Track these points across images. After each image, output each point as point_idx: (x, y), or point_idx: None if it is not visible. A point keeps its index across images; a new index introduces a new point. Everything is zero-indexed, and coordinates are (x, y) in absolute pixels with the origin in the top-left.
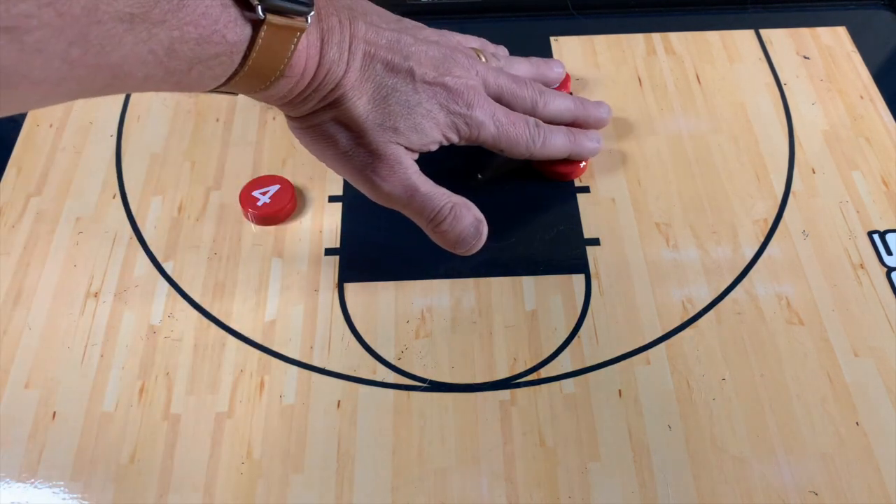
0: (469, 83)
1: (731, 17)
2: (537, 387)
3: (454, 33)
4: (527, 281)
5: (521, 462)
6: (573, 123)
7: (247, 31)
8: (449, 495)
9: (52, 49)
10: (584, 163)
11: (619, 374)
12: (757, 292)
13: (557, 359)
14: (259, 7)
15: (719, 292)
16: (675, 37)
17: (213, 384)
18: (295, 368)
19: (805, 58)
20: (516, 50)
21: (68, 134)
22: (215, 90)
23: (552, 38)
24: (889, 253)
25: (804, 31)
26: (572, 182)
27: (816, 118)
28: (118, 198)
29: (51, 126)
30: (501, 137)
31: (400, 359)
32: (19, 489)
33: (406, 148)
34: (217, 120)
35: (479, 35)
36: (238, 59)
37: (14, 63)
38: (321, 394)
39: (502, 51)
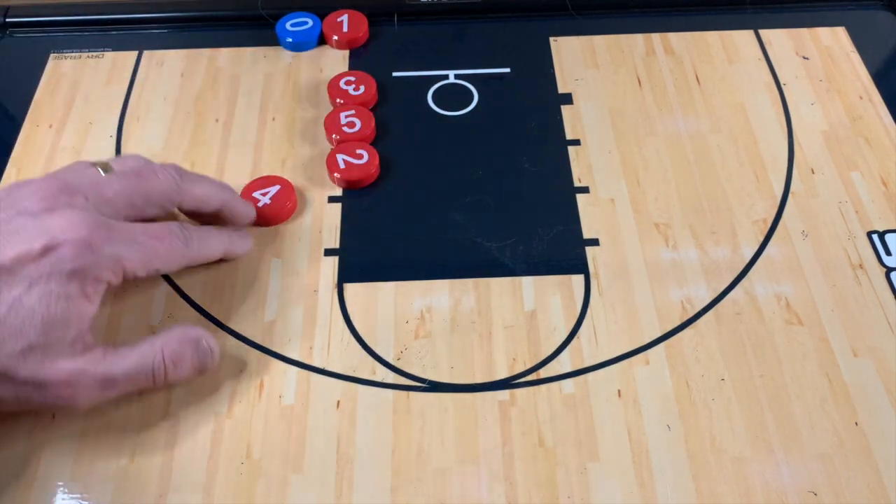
0: (70, 221)
1: (731, 17)
2: (536, 387)
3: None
4: (526, 281)
5: (521, 462)
6: (219, 212)
7: None
8: (448, 495)
9: None
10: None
11: (618, 375)
12: (756, 292)
13: (557, 359)
14: None
15: (718, 292)
16: (674, 37)
17: (212, 384)
18: (294, 369)
19: (804, 58)
20: (516, 50)
21: (68, 134)
22: None
23: (552, 39)
24: (888, 253)
25: (803, 32)
26: (572, 182)
27: (816, 118)
28: None
29: (51, 126)
30: (153, 260)
31: (399, 359)
32: (19, 489)
33: (62, 354)
34: (217, 120)
35: (478, 35)
36: None
37: None
38: (321, 394)
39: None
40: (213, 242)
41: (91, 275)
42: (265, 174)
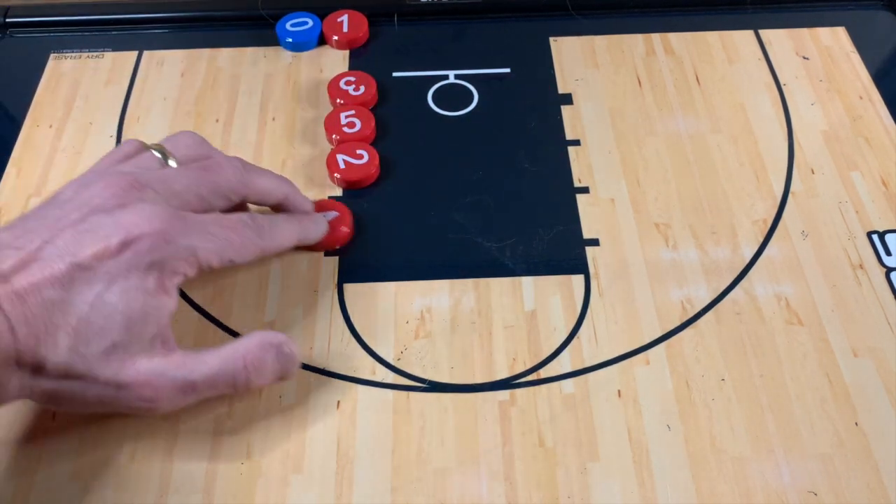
0: (144, 215)
1: (731, 17)
2: (537, 387)
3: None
4: (526, 281)
5: (521, 462)
6: (280, 205)
7: None
8: (448, 495)
9: None
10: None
11: (618, 375)
12: (756, 293)
13: (557, 359)
14: None
15: (718, 293)
16: (674, 37)
17: None
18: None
19: (804, 58)
20: (516, 50)
21: (68, 134)
22: None
23: (552, 39)
24: (888, 253)
25: (803, 32)
26: (572, 182)
27: (816, 118)
28: None
29: (51, 126)
30: (227, 250)
31: (399, 359)
32: (19, 489)
33: (143, 353)
34: (217, 120)
35: (478, 35)
36: None
37: None
38: (321, 394)
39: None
40: (285, 231)
41: (168, 268)
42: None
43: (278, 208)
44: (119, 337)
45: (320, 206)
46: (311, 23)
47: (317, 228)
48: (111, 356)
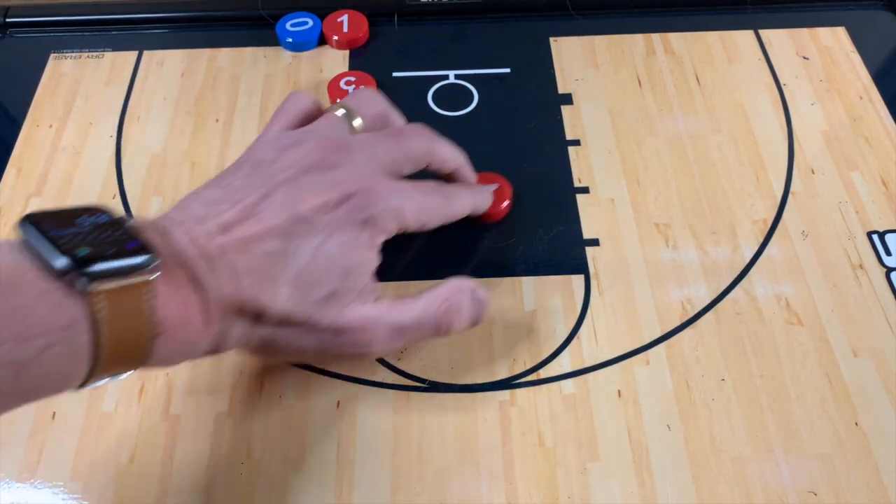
0: (355, 174)
1: (731, 17)
2: (537, 387)
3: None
4: (526, 281)
5: (521, 462)
6: (452, 175)
7: (77, 309)
8: (448, 495)
9: None
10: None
11: (618, 375)
12: (756, 293)
13: (557, 359)
14: (81, 282)
15: (718, 293)
16: (674, 37)
17: (212, 385)
18: (294, 369)
19: (804, 58)
20: (516, 50)
21: (68, 134)
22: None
23: (552, 39)
24: (888, 253)
25: (803, 32)
26: (572, 182)
27: (816, 119)
28: (118, 198)
29: (51, 126)
30: (423, 213)
31: (399, 359)
32: (19, 489)
33: (357, 300)
34: (217, 120)
35: (478, 35)
36: (83, 340)
37: None
38: (321, 394)
39: (364, 101)
40: (464, 199)
41: (379, 224)
42: None
43: (451, 178)
44: (337, 286)
45: (482, 179)
46: (311, 23)
47: (486, 198)
48: (329, 303)
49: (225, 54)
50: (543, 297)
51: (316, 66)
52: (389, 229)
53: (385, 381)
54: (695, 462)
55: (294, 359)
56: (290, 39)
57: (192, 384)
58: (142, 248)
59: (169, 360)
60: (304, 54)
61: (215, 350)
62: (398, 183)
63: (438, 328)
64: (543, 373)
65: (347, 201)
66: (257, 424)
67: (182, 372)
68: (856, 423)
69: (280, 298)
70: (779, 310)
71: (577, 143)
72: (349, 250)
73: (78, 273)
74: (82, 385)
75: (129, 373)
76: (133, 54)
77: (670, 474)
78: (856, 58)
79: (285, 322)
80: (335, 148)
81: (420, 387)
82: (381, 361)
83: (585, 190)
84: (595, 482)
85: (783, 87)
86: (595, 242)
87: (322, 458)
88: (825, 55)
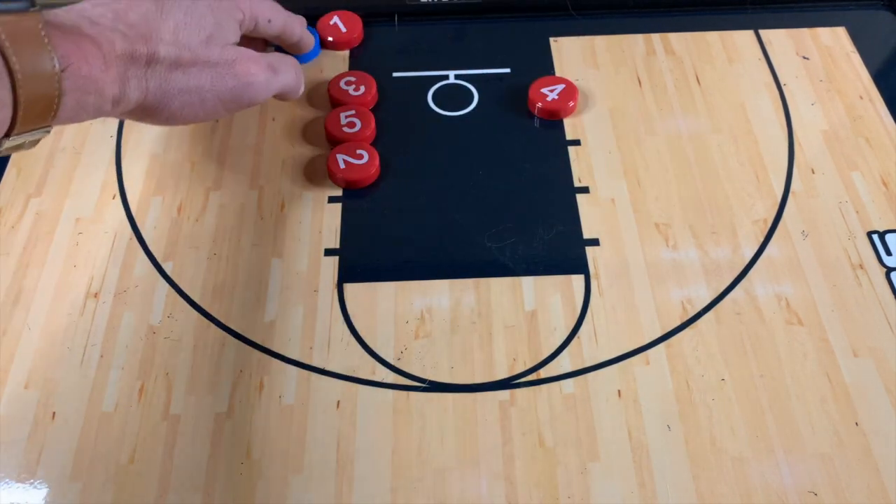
0: None
1: (731, 17)
2: (537, 387)
3: None
4: (526, 281)
5: (521, 462)
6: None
7: None
8: (448, 495)
9: None
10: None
11: (618, 375)
12: (756, 293)
13: (557, 359)
14: None
15: (719, 293)
16: (674, 37)
17: (212, 384)
18: (294, 369)
19: (804, 58)
20: (516, 50)
21: (68, 134)
22: (22, 130)
23: (552, 39)
24: (888, 253)
25: (804, 32)
26: (572, 182)
27: (816, 118)
28: (118, 198)
29: None
30: (273, 10)
31: (399, 359)
32: (19, 489)
33: (233, 41)
34: (217, 121)
35: (478, 35)
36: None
37: None
38: (320, 394)
39: None
40: (299, 26)
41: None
42: (264, 175)
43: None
44: (212, 31)
45: (549, 82)
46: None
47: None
48: (210, 44)
49: None
50: (543, 297)
51: (317, 67)
52: (243, 8)
53: (385, 381)
54: (695, 462)
55: (196, 110)
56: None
57: (192, 384)
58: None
59: (82, 109)
60: None
61: (120, 100)
62: None
63: (296, 74)
64: (543, 373)
65: None
66: (257, 424)
67: (182, 372)
68: (856, 423)
69: (165, 41)
70: (779, 310)
71: (577, 143)
72: (215, 8)
73: None
74: (6, 135)
75: (47, 129)
76: None
77: (670, 474)
78: (856, 58)
79: (176, 64)
80: None
81: (420, 387)
82: (381, 361)
83: (585, 190)
84: (595, 482)
85: (783, 87)
86: (595, 242)
87: (321, 458)
88: (825, 55)
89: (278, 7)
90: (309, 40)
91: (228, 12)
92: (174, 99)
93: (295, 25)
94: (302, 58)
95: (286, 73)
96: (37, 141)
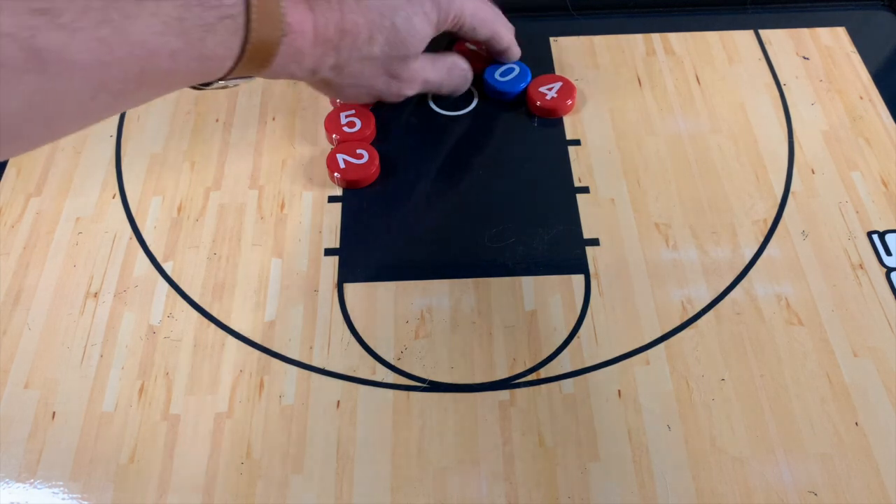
0: None
1: (731, 17)
2: (537, 387)
3: None
4: (526, 281)
5: (521, 462)
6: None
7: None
8: (448, 495)
9: (85, 26)
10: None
11: (618, 375)
12: (756, 293)
13: (557, 359)
14: None
15: (719, 293)
16: (674, 37)
17: (212, 384)
18: (294, 369)
19: (804, 58)
20: None
21: None
22: (237, 74)
23: (552, 39)
24: (888, 253)
25: (804, 32)
26: (572, 182)
27: (816, 119)
28: (118, 198)
29: None
30: (479, 13)
31: (399, 359)
32: (19, 489)
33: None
34: (217, 120)
35: None
36: (241, 21)
37: (58, 45)
38: (321, 394)
39: None
40: (508, 31)
41: (443, 4)
42: (264, 174)
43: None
44: (412, 50)
45: (547, 80)
46: None
47: (517, 50)
48: (408, 62)
49: None
50: (543, 297)
51: None
52: (446, 9)
53: (385, 381)
54: (695, 462)
55: (358, 96)
56: None
57: (192, 384)
58: None
59: (282, 70)
60: None
61: (313, 73)
62: None
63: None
64: (543, 372)
65: None
66: (257, 424)
67: (182, 372)
68: (856, 423)
69: (376, 44)
70: (779, 310)
71: (577, 143)
72: (423, 23)
73: None
74: (223, 77)
75: (251, 78)
76: None
77: (670, 474)
78: (856, 58)
79: (369, 58)
80: None
81: (420, 387)
82: (381, 361)
83: (585, 190)
84: (595, 482)
85: (783, 87)
86: (595, 242)
87: (322, 458)
88: (825, 55)
89: (489, 11)
90: (516, 51)
91: (428, 25)
92: (351, 86)
93: (503, 33)
94: (510, 81)
95: (443, 83)
96: (237, 84)
